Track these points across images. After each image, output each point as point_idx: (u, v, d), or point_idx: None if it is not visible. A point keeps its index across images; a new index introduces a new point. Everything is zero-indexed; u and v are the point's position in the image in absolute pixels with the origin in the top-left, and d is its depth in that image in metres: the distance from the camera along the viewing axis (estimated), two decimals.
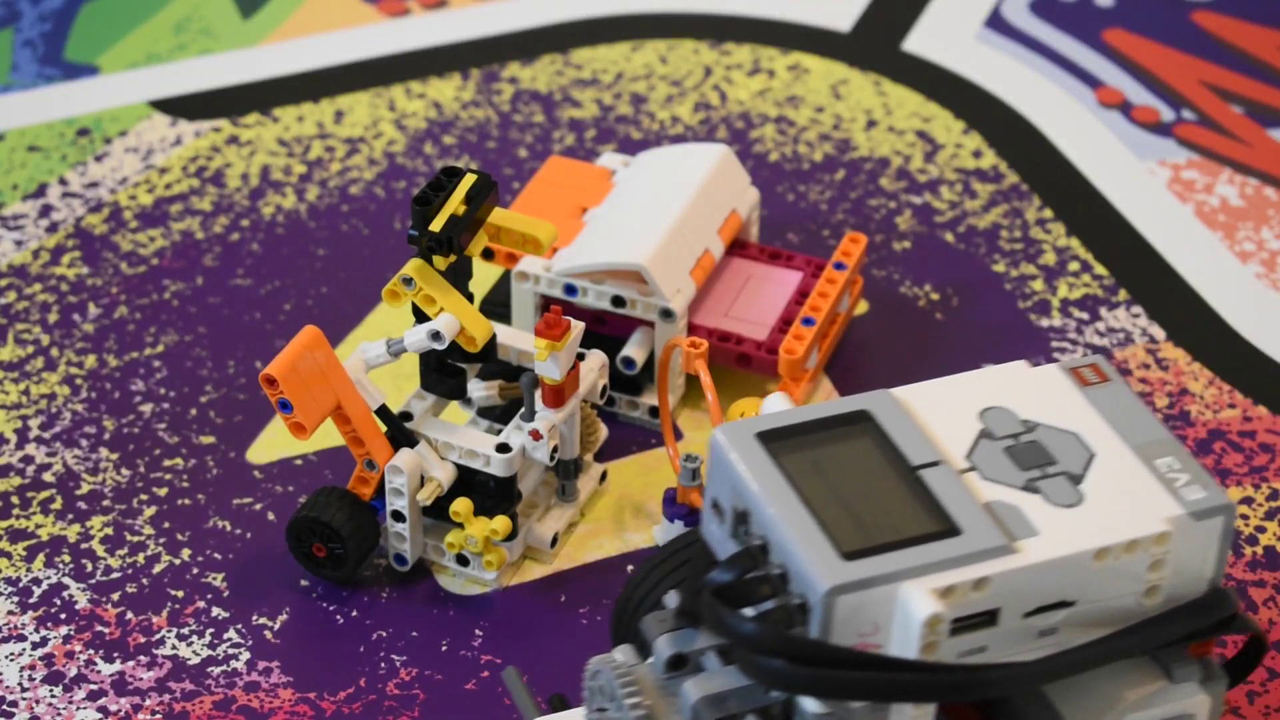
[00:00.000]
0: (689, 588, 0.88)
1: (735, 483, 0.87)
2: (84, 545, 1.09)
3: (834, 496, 0.87)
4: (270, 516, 1.11)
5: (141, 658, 1.04)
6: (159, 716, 1.01)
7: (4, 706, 1.01)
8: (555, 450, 1.06)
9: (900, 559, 0.84)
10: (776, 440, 0.88)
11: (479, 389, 1.09)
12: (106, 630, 1.05)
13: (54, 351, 1.20)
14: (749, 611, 0.85)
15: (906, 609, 0.83)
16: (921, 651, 0.83)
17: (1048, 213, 1.31)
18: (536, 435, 1.04)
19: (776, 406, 0.94)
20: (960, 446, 0.89)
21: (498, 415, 1.11)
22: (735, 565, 0.85)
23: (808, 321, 1.14)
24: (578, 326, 1.04)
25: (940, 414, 0.91)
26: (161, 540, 1.10)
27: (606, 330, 1.16)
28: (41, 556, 1.09)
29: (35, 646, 1.04)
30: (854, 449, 0.89)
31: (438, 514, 1.07)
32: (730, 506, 0.88)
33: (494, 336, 1.05)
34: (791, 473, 0.87)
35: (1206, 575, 0.89)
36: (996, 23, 1.46)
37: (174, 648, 1.04)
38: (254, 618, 1.06)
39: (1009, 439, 0.90)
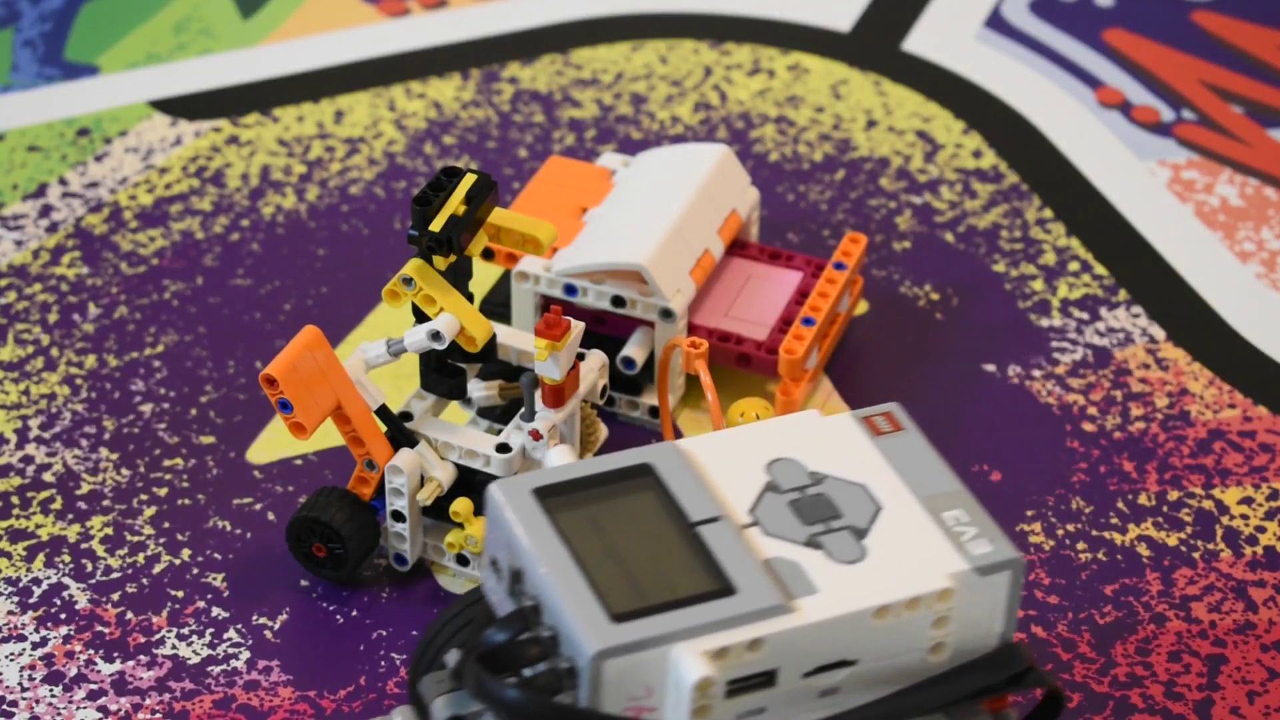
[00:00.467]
0: (467, 648, 0.86)
1: (510, 540, 0.85)
2: (84, 545, 1.09)
3: (609, 555, 0.85)
4: (270, 516, 1.11)
5: (141, 657, 1.04)
6: (159, 716, 1.01)
7: (4, 706, 1.01)
8: None
9: (671, 620, 0.82)
10: (554, 496, 0.86)
11: (479, 389, 1.09)
12: (106, 630, 1.05)
13: (54, 351, 1.20)
14: (528, 672, 0.83)
15: (677, 672, 0.82)
16: (693, 715, 0.82)
17: (1048, 213, 1.31)
18: (536, 435, 1.04)
19: (559, 460, 0.90)
20: (744, 500, 0.87)
21: (498, 415, 1.11)
22: (508, 626, 0.84)
23: (808, 321, 1.14)
24: (578, 326, 1.04)
25: (726, 466, 0.89)
26: (161, 540, 1.10)
27: (606, 330, 1.16)
28: (41, 556, 1.09)
29: (35, 646, 1.04)
30: (634, 505, 0.87)
31: (438, 514, 1.07)
32: (507, 565, 0.86)
33: (494, 336, 1.05)
34: (566, 530, 0.85)
35: (996, 630, 0.87)
36: (996, 23, 1.46)
37: (174, 647, 1.04)
38: (254, 617, 1.06)
39: (795, 492, 0.88)
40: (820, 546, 0.86)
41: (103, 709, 1.01)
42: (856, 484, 0.89)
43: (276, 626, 1.05)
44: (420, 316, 1.05)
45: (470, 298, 1.06)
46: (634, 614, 0.82)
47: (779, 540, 0.86)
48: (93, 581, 1.07)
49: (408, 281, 1.03)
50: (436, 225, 1.02)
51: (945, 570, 0.85)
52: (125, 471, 1.13)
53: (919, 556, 0.86)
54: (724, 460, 0.89)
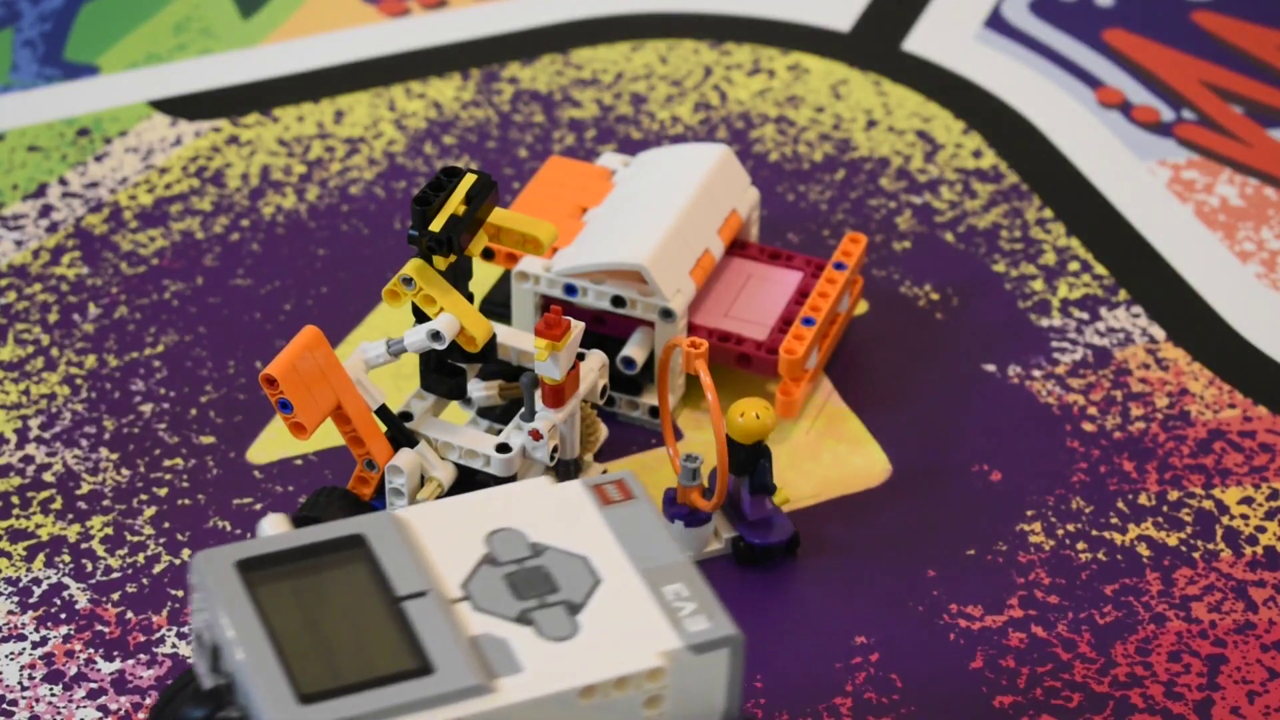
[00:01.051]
0: None
1: (210, 615, 0.83)
2: (84, 545, 1.09)
3: (309, 632, 0.82)
4: None
5: (141, 656, 1.04)
6: None
7: (4, 705, 1.01)
8: (555, 450, 1.06)
9: (362, 702, 0.80)
10: (258, 569, 0.84)
11: (479, 389, 1.09)
12: (106, 630, 1.05)
13: (54, 351, 1.20)
14: None
15: None
16: None
17: (1048, 213, 1.31)
18: (536, 435, 1.04)
19: (271, 530, 0.87)
20: (458, 574, 0.85)
21: (498, 415, 1.11)
22: (202, 704, 0.82)
23: (808, 321, 1.14)
24: (578, 326, 1.04)
25: (444, 537, 0.87)
26: (161, 540, 1.10)
27: (606, 330, 1.16)
28: (41, 556, 1.09)
29: (35, 646, 1.04)
30: (341, 578, 0.84)
31: None
32: (209, 639, 0.84)
33: (494, 336, 1.05)
34: (266, 605, 0.83)
35: (717, 708, 0.85)
36: (996, 23, 1.46)
37: (174, 646, 1.04)
38: None
39: (512, 565, 0.86)
40: (531, 623, 0.84)
41: (103, 708, 1.01)
42: (578, 556, 0.86)
43: None
44: (420, 316, 1.05)
45: (470, 298, 1.06)
46: (324, 695, 0.80)
47: (489, 616, 0.84)
48: (93, 581, 1.07)
49: (408, 281, 1.03)
50: (436, 225, 1.02)
51: (657, 648, 0.83)
52: (125, 471, 1.13)
53: (632, 633, 0.84)
54: (444, 531, 0.87)
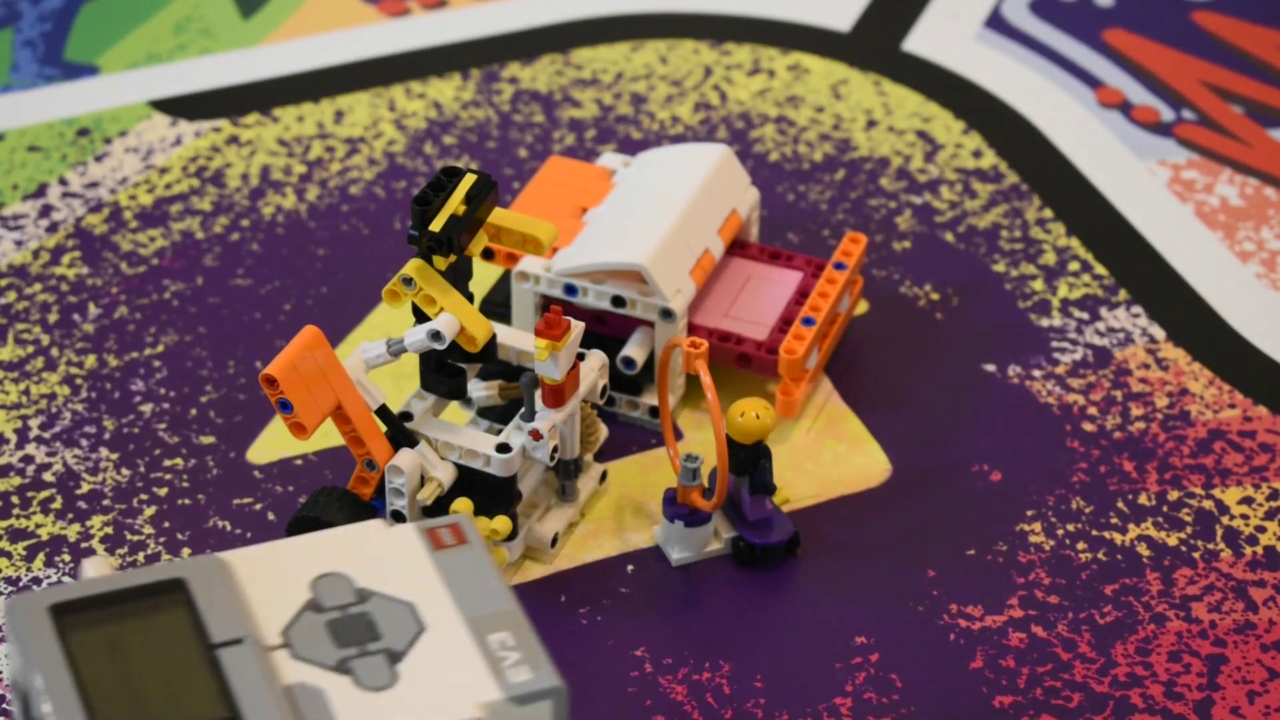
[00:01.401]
0: None
1: (22, 661, 0.82)
2: (84, 545, 1.09)
3: (120, 680, 0.81)
4: (270, 516, 1.11)
5: None
6: None
7: (4, 705, 1.01)
8: (555, 450, 1.06)
9: None
10: (72, 614, 0.82)
11: (479, 389, 1.09)
12: None
13: (54, 351, 1.20)
14: None
15: None
16: None
17: (1048, 213, 1.31)
18: (536, 435, 1.04)
19: (93, 571, 0.85)
20: (278, 620, 0.83)
21: (498, 415, 1.11)
22: None
23: (808, 321, 1.14)
24: (578, 326, 1.04)
25: (270, 582, 0.85)
26: (161, 540, 1.10)
27: (606, 330, 1.16)
28: (41, 556, 1.09)
29: None
30: (158, 624, 0.83)
31: (438, 514, 1.07)
32: (22, 686, 0.83)
33: (494, 336, 1.05)
34: (76, 653, 0.81)
35: None
36: (996, 23, 1.46)
37: None
38: None
39: (336, 611, 0.84)
40: (350, 672, 0.82)
41: None
42: (404, 602, 0.85)
43: None
44: (420, 316, 1.05)
45: (470, 298, 1.06)
46: None
47: (307, 665, 0.82)
48: None
49: (408, 281, 1.03)
50: (436, 225, 1.02)
51: (476, 699, 0.82)
52: (125, 471, 1.13)
53: (451, 683, 0.82)
54: (269, 575, 0.85)
